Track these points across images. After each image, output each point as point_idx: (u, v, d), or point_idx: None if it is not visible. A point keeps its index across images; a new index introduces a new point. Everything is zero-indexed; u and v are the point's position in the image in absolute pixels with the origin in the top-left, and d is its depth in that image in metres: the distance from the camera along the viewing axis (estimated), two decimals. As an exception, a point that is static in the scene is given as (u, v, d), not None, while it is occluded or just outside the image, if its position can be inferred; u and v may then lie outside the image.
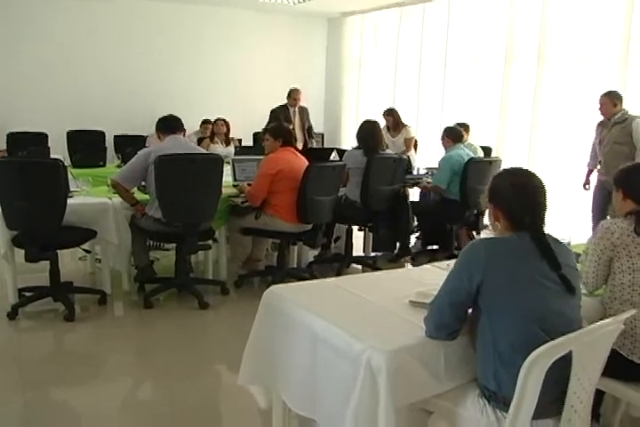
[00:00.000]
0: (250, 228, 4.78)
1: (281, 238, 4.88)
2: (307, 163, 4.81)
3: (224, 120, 7.41)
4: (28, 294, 4.35)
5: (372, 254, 5.98)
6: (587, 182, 5.78)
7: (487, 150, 6.64)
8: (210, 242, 4.69)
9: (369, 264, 5.62)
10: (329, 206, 4.82)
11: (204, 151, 4.62)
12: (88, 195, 4.67)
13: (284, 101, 7.96)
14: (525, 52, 7.04)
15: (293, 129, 7.73)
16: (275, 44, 9.81)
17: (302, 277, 5.02)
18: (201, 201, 4.31)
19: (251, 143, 8.44)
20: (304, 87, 9.27)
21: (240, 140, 8.01)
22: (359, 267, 5.64)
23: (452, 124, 6.77)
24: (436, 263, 3.22)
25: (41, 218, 3.91)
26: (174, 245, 4.73)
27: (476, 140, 6.82)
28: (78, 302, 4.38)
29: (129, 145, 7.30)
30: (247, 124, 8.39)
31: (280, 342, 2.52)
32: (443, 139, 5.80)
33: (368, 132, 5.37)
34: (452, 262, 3.32)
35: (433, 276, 2.92)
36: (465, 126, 6.71)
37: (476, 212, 5.64)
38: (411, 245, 5.99)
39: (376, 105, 9.36)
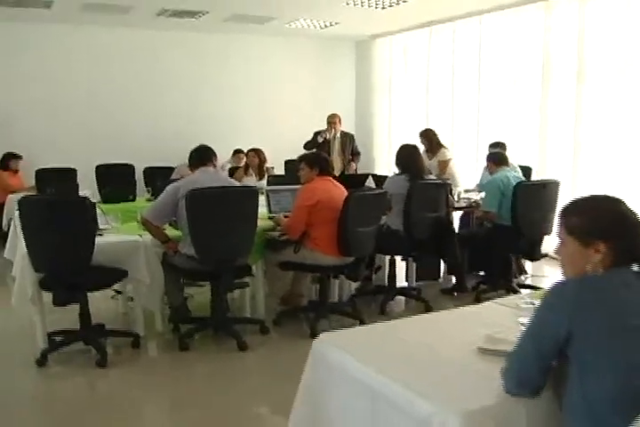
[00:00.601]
0: (289, 262, 4.52)
1: (321, 272, 4.61)
2: (346, 192, 4.57)
3: (256, 151, 7.20)
4: (57, 338, 4.15)
5: (415, 284, 5.68)
6: None
7: (527, 170, 6.35)
8: (247, 279, 4.43)
9: (413, 296, 5.34)
10: (371, 237, 4.55)
11: (236, 183, 4.39)
12: (118, 232, 4.47)
13: (315, 128, 7.78)
14: (564, 69, 6.76)
15: (332, 154, 7.55)
16: (302, 70, 9.69)
17: (345, 312, 4.81)
18: (236, 236, 4.08)
19: (282, 172, 8.26)
20: (334, 112, 9.13)
21: (272, 169, 7.81)
22: (402, 298, 5.36)
23: (489, 143, 6.56)
24: (498, 300, 2.92)
25: (68, 258, 3.72)
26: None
27: (514, 160, 6.53)
28: (110, 344, 4.16)
29: (159, 177, 7.19)
30: (277, 151, 8.21)
31: (334, 398, 2.24)
32: (487, 165, 5.59)
33: (409, 156, 5.14)
34: (516, 298, 3.06)
35: (498, 315, 2.65)
36: (501, 145, 6.45)
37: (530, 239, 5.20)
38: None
39: (409, 128, 9.16)
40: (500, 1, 7.14)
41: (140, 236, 4.38)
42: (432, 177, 5.36)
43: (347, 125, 9.50)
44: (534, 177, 6.55)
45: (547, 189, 5.00)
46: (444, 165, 6.79)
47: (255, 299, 4.82)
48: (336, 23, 8.32)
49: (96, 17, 7.60)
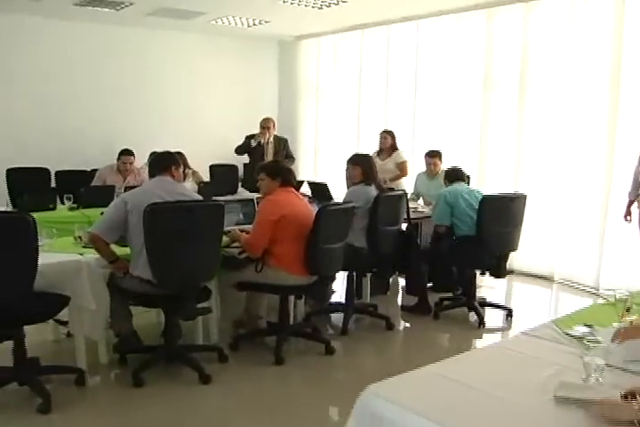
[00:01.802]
0: (248, 282, 4.09)
1: (285, 293, 4.20)
2: (309, 205, 4.23)
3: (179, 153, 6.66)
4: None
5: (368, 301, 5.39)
6: (628, 213, 5.28)
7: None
8: (207, 304, 3.95)
9: (373, 313, 5.04)
10: (340, 254, 4.20)
11: (195, 196, 3.91)
12: (52, 250, 3.87)
13: (238, 130, 7.43)
14: (506, 76, 6.70)
15: (265, 159, 7.16)
16: (224, 70, 9.16)
17: (307, 334, 4.44)
18: (200, 256, 3.62)
19: (206, 177, 7.75)
20: (256, 115, 8.70)
21: (197, 174, 7.28)
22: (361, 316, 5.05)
23: (425, 152, 6.41)
24: (529, 331, 2.67)
25: (4, 286, 3.11)
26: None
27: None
28: (49, 382, 3.55)
29: (75, 182, 6.53)
30: (198, 155, 7.67)
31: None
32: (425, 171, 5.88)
33: (371, 165, 4.83)
34: (544, 328, 2.82)
35: (546, 352, 2.42)
36: (437, 153, 6.32)
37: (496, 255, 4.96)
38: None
39: (338, 133, 8.88)
40: (440, 6, 6.98)
41: (81, 254, 3.83)
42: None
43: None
44: (473, 186, 6.43)
45: (514, 203, 4.81)
46: (403, 166, 6.78)
47: (208, 323, 4.34)
48: (266, 22, 7.90)
49: (3, 2, 6.78)
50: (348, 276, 4.86)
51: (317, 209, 4.06)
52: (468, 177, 6.27)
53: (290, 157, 7.53)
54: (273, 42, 9.58)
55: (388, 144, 6.85)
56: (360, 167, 4.73)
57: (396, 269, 4.98)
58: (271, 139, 7.40)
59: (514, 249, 4.92)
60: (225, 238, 4.20)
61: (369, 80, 8.33)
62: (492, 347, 2.59)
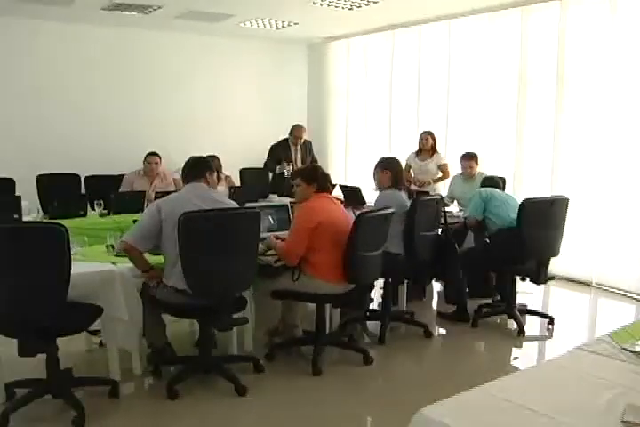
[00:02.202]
0: (284, 291, 3.98)
1: (321, 301, 4.08)
2: (346, 212, 4.10)
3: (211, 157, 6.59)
4: (18, 389, 3.46)
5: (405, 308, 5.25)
6: None
7: (501, 181, 6.01)
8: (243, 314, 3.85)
9: (411, 321, 4.91)
10: (378, 262, 4.08)
11: (231, 203, 3.82)
12: (85, 259, 3.81)
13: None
14: (542, 76, 6.52)
15: (295, 168, 7.11)
16: (253, 73, 9.12)
17: (344, 344, 4.34)
18: (237, 265, 3.51)
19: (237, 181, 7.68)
20: (285, 118, 8.65)
21: (229, 178, 7.21)
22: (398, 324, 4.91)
23: (462, 154, 6.29)
24: (585, 346, 2.53)
25: (39, 298, 3.04)
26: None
27: (487, 171, 6.29)
28: (83, 394, 3.48)
29: (105, 187, 6.48)
30: (229, 159, 7.60)
31: None
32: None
33: (400, 170, 4.73)
34: (601, 343, 2.68)
35: (606, 370, 2.28)
36: (473, 156, 6.19)
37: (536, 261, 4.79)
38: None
39: (368, 136, 8.76)
40: (473, 5, 6.83)
41: (114, 264, 3.76)
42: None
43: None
44: (509, 189, 6.28)
45: (555, 207, 4.63)
46: (445, 168, 6.85)
47: (243, 332, 4.25)
48: (295, 23, 7.80)
49: (35, 9, 6.77)
50: (384, 283, 4.73)
51: (354, 215, 3.95)
52: (504, 181, 6.15)
53: (314, 161, 7.48)
54: (302, 44, 9.48)
55: (430, 145, 6.83)
56: (390, 172, 4.62)
57: (433, 275, 4.82)
58: (298, 146, 7.43)
59: (555, 254, 4.75)
60: (260, 246, 4.11)
61: (400, 82, 8.19)
62: (548, 364, 2.46)
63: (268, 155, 7.44)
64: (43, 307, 3.05)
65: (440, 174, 6.88)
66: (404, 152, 7.62)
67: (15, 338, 3.09)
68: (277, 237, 4.13)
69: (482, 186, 5.36)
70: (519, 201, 4.68)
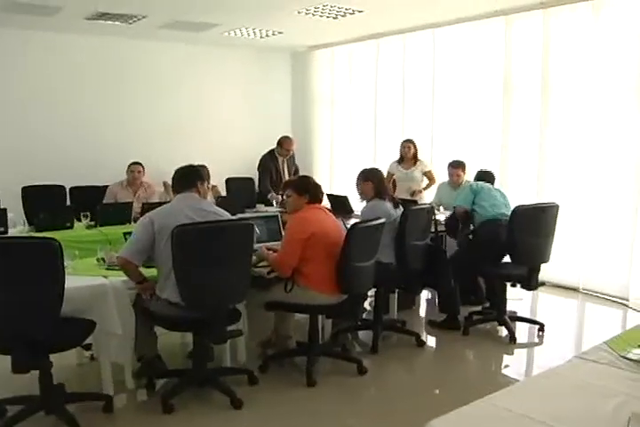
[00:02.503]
0: (277, 302, 3.97)
1: (314, 312, 4.07)
2: (338, 222, 4.11)
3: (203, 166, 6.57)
4: (9, 406, 3.40)
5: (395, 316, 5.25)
6: None
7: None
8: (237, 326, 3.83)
9: (403, 330, 4.93)
10: (371, 272, 4.08)
11: (224, 214, 3.79)
12: (75, 272, 3.76)
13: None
14: (527, 84, 6.58)
15: (282, 179, 7.13)
16: (236, 83, 9.09)
17: (337, 354, 4.36)
18: (231, 278, 3.49)
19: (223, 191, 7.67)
20: (269, 127, 8.66)
21: (216, 187, 7.20)
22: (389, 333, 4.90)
23: (449, 162, 6.35)
24: (583, 355, 2.55)
25: (33, 314, 3.01)
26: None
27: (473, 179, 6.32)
28: (75, 409, 3.41)
29: (89, 199, 6.44)
30: (213, 168, 7.56)
31: None
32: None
33: (382, 179, 4.73)
34: (598, 350, 2.70)
35: (607, 379, 2.29)
36: (460, 164, 6.25)
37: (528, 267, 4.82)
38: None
39: (354, 145, 8.77)
40: (457, 14, 6.88)
41: (106, 277, 3.73)
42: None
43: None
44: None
45: (546, 214, 4.67)
46: (431, 174, 6.98)
47: (236, 344, 4.22)
48: (279, 33, 7.81)
49: (17, 18, 6.72)
50: (376, 292, 4.73)
51: (343, 225, 3.96)
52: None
53: (297, 171, 7.52)
54: (285, 52, 9.49)
55: (411, 153, 6.90)
56: (371, 182, 4.62)
57: (425, 284, 4.83)
58: (286, 158, 7.52)
59: (545, 261, 4.79)
60: (252, 257, 4.10)
61: (385, 90, 8.23)
62: (548, 373, 2.46)
63: (260, 169, 7.42)
64: (37, 323, 3.01)
65: (427, 181, 6.95)
66: (388, 160, 7.66)
67: (9, 354, 3.05)
68: (269, 249, 4.13)
69: (476, 179, 5.57)
70: (509, 198, 5.01)
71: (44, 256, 2.99)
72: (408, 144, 6.90)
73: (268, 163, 7.29)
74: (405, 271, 4.50)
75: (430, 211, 4.80)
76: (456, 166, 6.24)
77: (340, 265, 3.84)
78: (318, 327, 4.18)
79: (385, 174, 6.72)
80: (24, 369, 3.09)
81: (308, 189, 4.05)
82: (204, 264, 3.37)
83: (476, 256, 4.98)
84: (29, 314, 3.00)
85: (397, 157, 7.07)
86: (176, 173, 3.80)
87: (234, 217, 3.79)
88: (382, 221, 4.09)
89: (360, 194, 4.75)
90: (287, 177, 7.33)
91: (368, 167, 4.90)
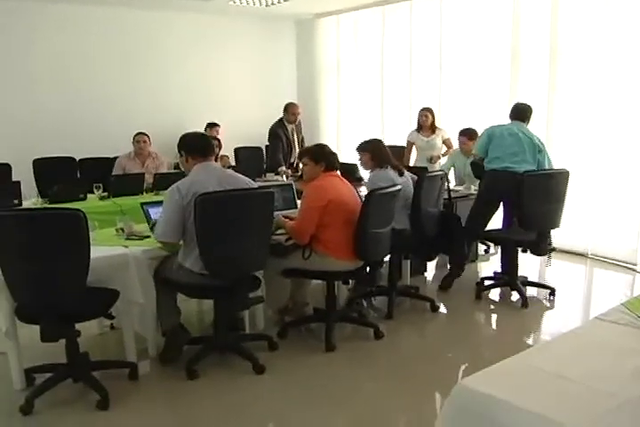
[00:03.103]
0: (295, 269, 4.02)
1: (332, 279, 4.13)
2: (353, 190, 4.14)
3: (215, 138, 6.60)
4: (36, 375, 3.49)
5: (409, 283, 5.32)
6: None
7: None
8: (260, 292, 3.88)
9: (417, 295, 5.00)
10: (387, 239, 4.13)
11: (250, 184, 3.72)
12: (96, 243, 3.78)
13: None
14: (535, 51, 6.50)
15: (293, 148, 7.11)
16: (242, 52, 9.01)
17: (355, 319, 4.42)
18: (253, 245, 3.53)
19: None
20: (275, 96, 8.62)
21: (227, 158, 7.24)
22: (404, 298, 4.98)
23: (459, 130, 6.38)
24: (602, 316, 2.61)
25: (60, 284, 3.06)
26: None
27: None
28: (101, 377, 3.47)
29: (99, 170, 6.47)
30: (221, 138, 7.59)
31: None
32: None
33: (380, 148, 4.69)
34: (616, 311, 2.75)
35: (625, 337, 2.40)
36: (468, 132, 6.24)
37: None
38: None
39: (360, 114, 8.73)
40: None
41: (126, 247, 3.77)
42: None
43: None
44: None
45: (554, 180, 4.69)
46: (449, 142, 6.98)
47: (254, 311, 4.29)
48: (285, 0, 7.72)
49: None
50: (390, 259, 4.77)
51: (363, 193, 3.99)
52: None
53: (302, 140, 7.57)
54: (290, 21, 9.40)
55: (429, 122, 6.87)
56: (368, 153, 4.63)
57: (439, 250, 4.88)
58: (294, 125, 7.44)
59: (555, 226, 4.83)
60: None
61: (391, 58, 8.16)
62: (571, 334, 2.51)
63: (271, 138, 7.34)
64: (65, 293, 3.07)
65: (445, 149, 6.99)
66: (396, 128, 7.67)
67: (38, 324, 3.10)
68: (286, 217, 4.16)
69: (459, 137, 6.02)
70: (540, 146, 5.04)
71: (70, 227, 3.02)
72: (425, 112, 6.86)
73: (278, 131, 7.25)
74: (420, 238, 4.55)
75: (444, 177, 4.82)
76: (465, 134, 6.24)
77: (358, 232, 3.87)
78: (335, 294, 4.24)
79: (405, 143, 6.84)
80: (53, 338, 3.14)
81: (324, 157, 4.07)
82: (226, 232, 3.40)
83: (472, 215, 5.03)
84: (57, 285, 3.04)
85: (414, 125, 7.05)
86: (194, 139, 3.73)
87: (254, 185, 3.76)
88: (398, 188, 4.12)
89: (362, 165, 4.79)
90: (296, 145, 7.32)
91: (366, 139, 4.86)
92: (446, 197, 5.00)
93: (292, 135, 7.33)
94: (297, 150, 7.18)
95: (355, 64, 8.77)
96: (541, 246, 4.82)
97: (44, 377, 3.38)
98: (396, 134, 7.82)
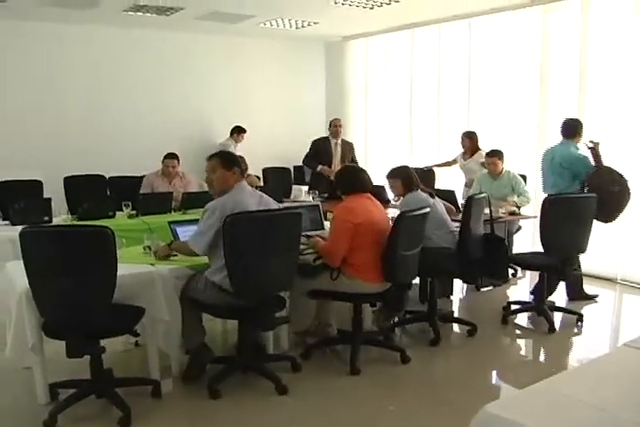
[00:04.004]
0: (322, 290, 3.98)
1: (359, 301, 4.10)
2: (384, 211, 4.14)
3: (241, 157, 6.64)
4: (60, 390, 3.51)
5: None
6: None
7: (523, 178, 6.30)
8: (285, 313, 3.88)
9: (456, 319, 4.99)
10: (416, 261, 4.10)
11: (274, 204, 3.80)
12: (123, 260, 3.82)
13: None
14: (564, 75, 6.52)
15: (333, 163, 7.18)
16: (271, 74, 9.15)
17: (380, 343, 4.37)
18: (280, 267, 3.53)
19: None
20: (303, 117, 8.68)
21: (258, 178, 7.29)
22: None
23: (485, 152, 6.36)
24: (631, 343, 2.55)
25: (87, 300, 3.09)
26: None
27: (510, 167, 6.33)
28: (124, 394, 3.48)
29: (129, 188, 6.53)
30: (249, 158, 7.62)
31: None
32: None
33: (409, 174, 4.70)
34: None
35: None
36: (497, 153, 6.21)
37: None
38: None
39: (389, 136, 8.76)
40: (493, 4, 6.83)
41: (153, 264, 3.80)
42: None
43: (318, 132, 9.02)
44: (531, 186, 6.33)
45: (581, 204, 4.66)
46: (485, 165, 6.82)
47: (279, 331, 4.28)
48: (314, 23, 7.82)
49: (59, 12, 6.82)
50: (430, 282, 4.74)
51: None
52: (525, 177, 6.32)
53: (355, 163, 7.49)
54: (319, 43, 9.51)
55: (467, 146, 6.95)
56: (399, 179, 4.66)
57: (484, 271, 4.82)
58: (339, 141, 7.50)
59: (581, 251, 4.78)
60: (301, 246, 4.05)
61: (420, 81, 8.21)
62: (598, 361, 2.47)
63: (310, 149, 7.50)
64: (91, 309, 3.09)
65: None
66: (424, 152, 7.67)
67: (64, 340, 3.13)
68: (321, 238, 4.16)
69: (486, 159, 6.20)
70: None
71: (98, 244, 3.06)
72: (462, 136, 6.97)
73: (318, 143, 7.45)
74: (467, 259, 4.53)
75: (486, 200, 4.84)
76: (491, 155, 6.20)
77: (387, 254, 3.85)
78: (362, 316, 4.20)
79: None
80: (78, 354, 3.16)
81: (350, 183, 4.08)
82: (256, 252, 3.40)
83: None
84: (84, 301, 3.08)
85: (442, 148, 7.46)
86: (232, 155, 3.82)
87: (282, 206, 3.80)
88: (427, 210, 4.10)
89: (392, 190, 4.83)
90: (338, 161, 7.38)
91: (396, 166, 4.89)
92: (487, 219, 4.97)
93: (335, 149, 7.40)
94: (337, 166, 7.22)
95: (383, 86, 8.83)
96: (565, 271, 4.76)
97: (68, 393, 3.41)
98: (423, 157, 7.83)
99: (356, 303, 4.11)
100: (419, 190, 4.62)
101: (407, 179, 4.64)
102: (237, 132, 8.26)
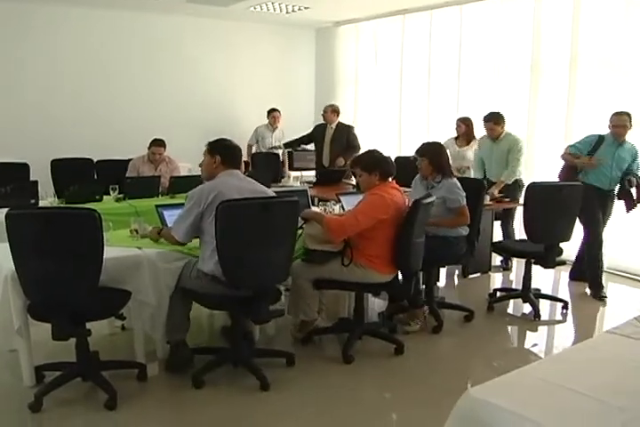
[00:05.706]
0: (328, 279, 3.90)
1: (368, 291, 4.10)
2: (406, 201, 4.01)
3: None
4: (46, 372, 3.51)
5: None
6: None
7: None
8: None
9: (454, 306, 4.94)
10: (422, 249, 4.06)
11: (269, 192, 3.71)
12: (110, 244, 3.80)
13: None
14: (555, 62, 6.50)
15: (322, 148, 7.19)
16: (261, 58, 9.10)
17: (381, 334, 4.29)
18: (276, 257, 3.45)
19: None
20: (293, 103, 8.66)
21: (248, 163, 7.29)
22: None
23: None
24: (614, 330, 2.59)
25: (72, 282, 3.07)
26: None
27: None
28: (109, 377, 3.45)
29: (115, 172, 6.49)
30: (238, 143, 7.59)
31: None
32: None
33: (440, 155, 4.51)
34: (629, 325, 2.72)
35: (634, 351, 2.34)
36: (492, 118, 6.11)
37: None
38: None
39: (378, 122, 8.74)
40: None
41: (140, 248, 3.78)
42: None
43: (307, 118, 9.00)
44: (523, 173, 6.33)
45: (564, 192, 4.62)
46: None
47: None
48: (305, 8, 7.77)
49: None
50: (430, 269, 4.65)
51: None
52: None
53: (351, 147, 7.44)
54: (310, 28, 9.45)
55: (463, 132, 6.73)
56: (426, 158, 4.45)
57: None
58: (333, 125, 7.55)
59: (564, 240, 4.79)
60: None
61: (410, 67, 8.19)
62: (581, 347, 2.50)
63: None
64: (77, 292, 3.08)
65: None
66: (413, 137, 7.63)
67: (50, 323, 3.12)
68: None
69: None
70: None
71: (85, 227, 3.05)
72: (458, 122, 6.75)
73: (316, 127, 7.70)
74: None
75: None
76: (487, 120, 6.06)
77: (402, 242, 3.80)
78: (364, 305, 4.14)
79: None
80: (64, 337, 3.16)
81: (376, 166, 3.89)
82: (250, 241, 3.32)
83: None
84: (70, 283, 3.06)
85: (432, 134, 7.12)
86: (234, 150, 3.71)
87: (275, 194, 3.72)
88: (433, 198, 4.03)
89: (419, 171, 4.57)
90: (329, 145, 7.43)
91: (427, 142, 4.67)
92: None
93: (326, 133, 7.48)
94: (328, 152, 7.37)
95: (373, 72, 8.80)
96: (548, 259, 4.78)
97: (54, 375, 3.41)
98: (413, 144, 7.80)
99: (357, 293, 4.07)
100: (450, 177, 4.46)
101: (435, 158, 4.43)
102: (272, 112, 8.26)
